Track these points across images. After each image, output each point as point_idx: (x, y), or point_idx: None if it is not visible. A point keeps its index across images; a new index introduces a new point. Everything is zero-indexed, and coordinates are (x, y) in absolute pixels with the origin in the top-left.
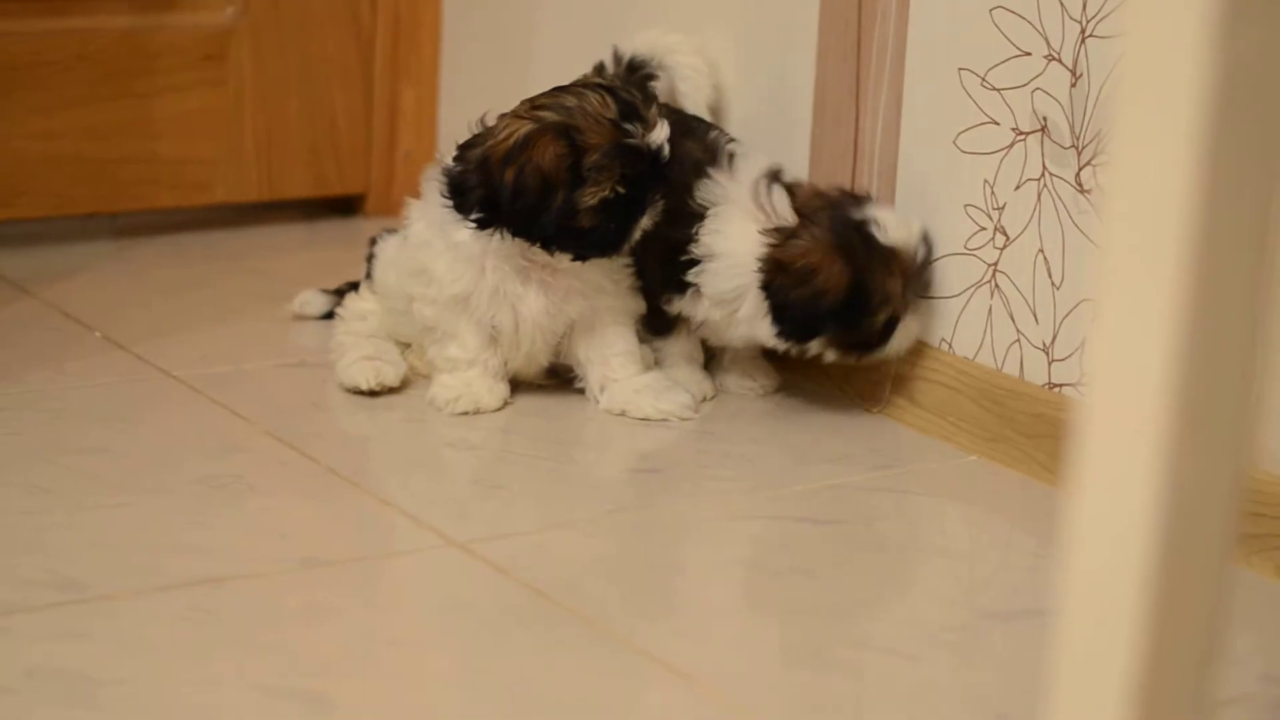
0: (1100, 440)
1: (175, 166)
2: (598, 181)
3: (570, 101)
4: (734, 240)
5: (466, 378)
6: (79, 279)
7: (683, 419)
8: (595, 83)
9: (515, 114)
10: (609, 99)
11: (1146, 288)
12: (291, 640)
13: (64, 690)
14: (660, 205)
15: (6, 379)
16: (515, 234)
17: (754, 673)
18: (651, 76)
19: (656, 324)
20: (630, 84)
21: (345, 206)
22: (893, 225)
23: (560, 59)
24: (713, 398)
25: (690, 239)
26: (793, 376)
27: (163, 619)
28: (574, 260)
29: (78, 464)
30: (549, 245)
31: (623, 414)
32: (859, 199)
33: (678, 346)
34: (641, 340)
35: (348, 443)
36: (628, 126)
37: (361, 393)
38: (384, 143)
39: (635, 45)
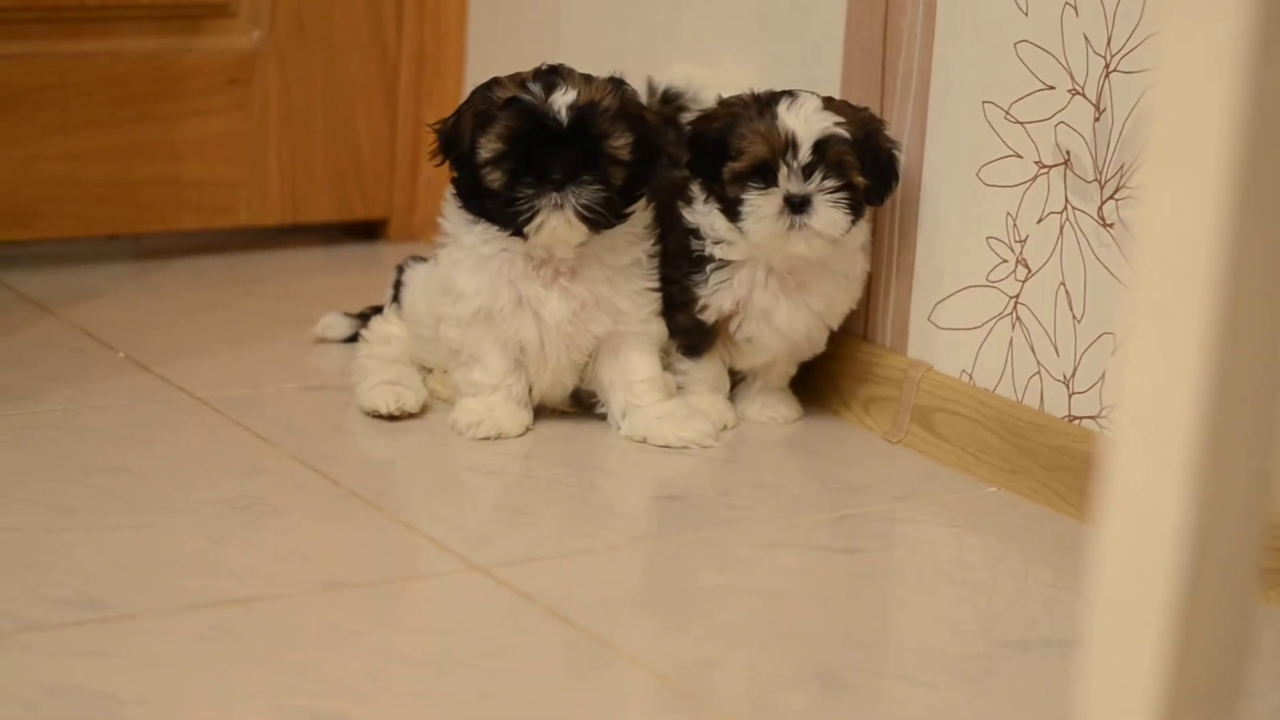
0: (1126, 474)
1: (199, 189)
2: (488, 133)
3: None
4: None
5: (490, 402)
6: (102, 300)
7: (704, 447)
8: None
9: None
10: (543, 69)
11: (1174, 322)
12: (312, 661)
13: (85, 708)
14: (597, 194)
15: (30, 398)
16: (458, 197)
17: (772, 700)
18: (683, 109)
19: (690, 344)
20: (663, 115)
21: (368, 231)
22: (797, 110)
23: None
24: (734, 426)
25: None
26: (814, 407)
27: (184, 638)
28: (512, 235)
29: (100, 483)
30: (479, 211)
31: (644, 441)
32: (790, 92)
33: (704, 372)
34: (667, 367)
35: (369, 466)
36: (530, 86)
37: (381, 417)
38: (407, 168)
39: (670, 77)
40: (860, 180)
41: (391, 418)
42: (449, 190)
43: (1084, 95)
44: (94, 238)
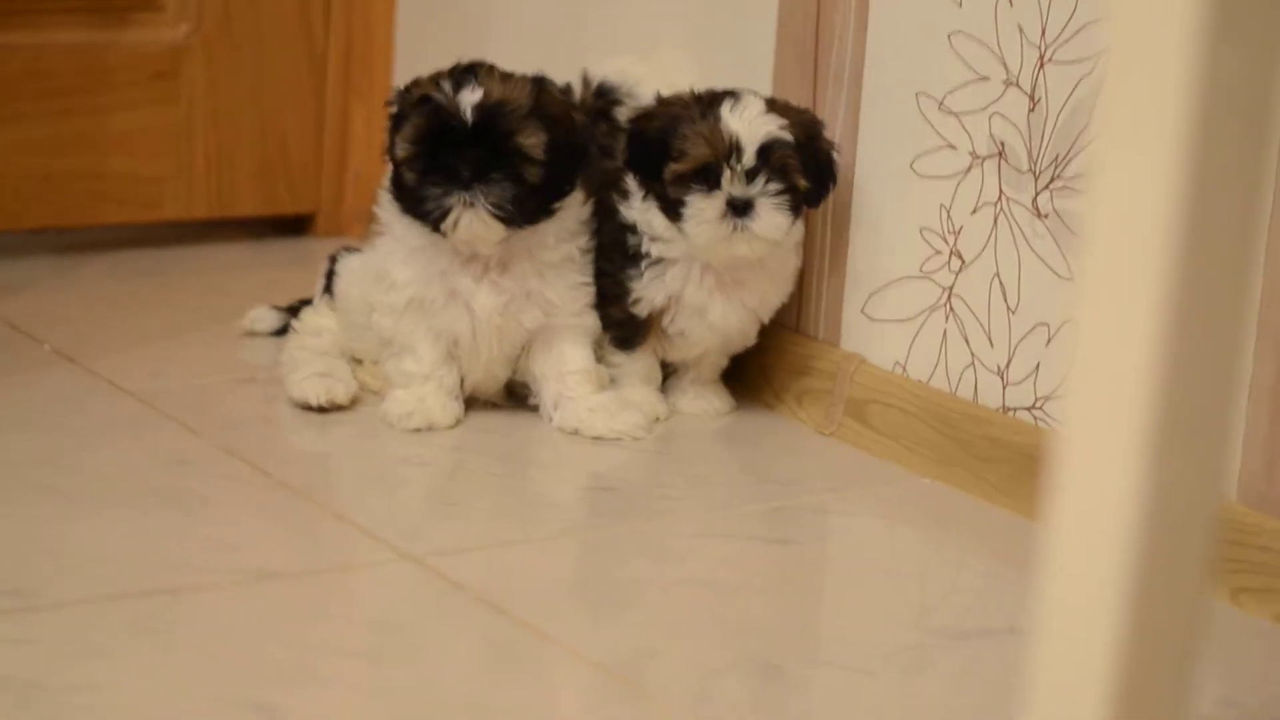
0: (1075, 465)
1: (125, 182)
2: (401, 132)
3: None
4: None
5: (420, 393)
6: (27, 293)
7: (636, 439)
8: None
9: None
10: (461, 66)
11: (1126, 310)
12: (245, 651)
13: (13, 696)
14: (508, 192)
15: None
16: (391, 189)
17: (709, 688)
18: (618, 103)
19: (622, 337)
20: (596, 109)
21: (294, 226)
22: (741, 113)
23: None
24: (667, 418)
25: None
26: (746, 400)
27: (114, 628)
28: (433, 231)
29: (26, 475)
30: (404, 206)
31: (575, 432)
32: (733, 93)
33: (636, 365)
34: (599, 359)
35: (300, 458)
36: (442, 83)
37: (311, 409)
38: (335, 162)
39: (605, 71)
40: (802, 183)
41: (321, 410)
42: (385, 180)
43: (1018, 86)
44: (18, 231)
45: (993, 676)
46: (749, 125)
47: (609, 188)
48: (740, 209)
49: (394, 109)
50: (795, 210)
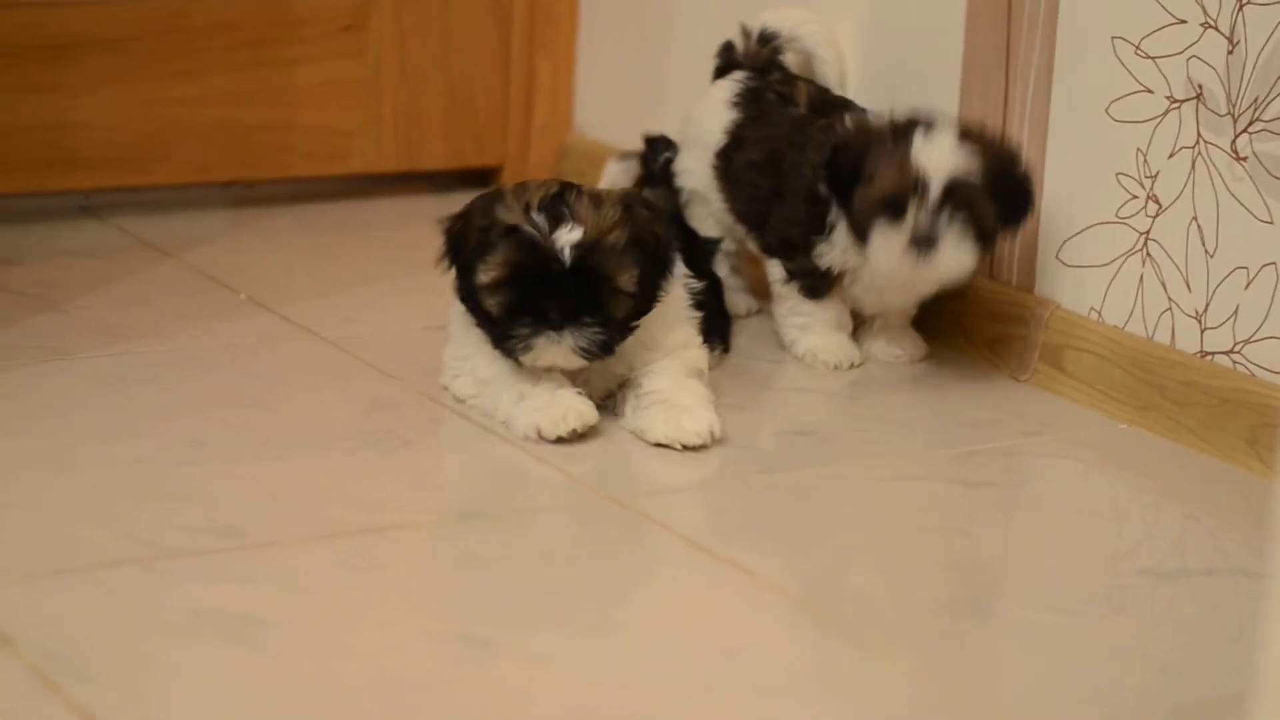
0: None
1: (313, 135)
2: (486, 258)
3: None
4: None
5: None
6: (220, 244)
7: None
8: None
9: None
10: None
11: None
12: (453, 588)
13: (230, 631)
14: (597, 336)
15: (153, 336)
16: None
17: (915, 625)
18: (780, 50)
19: (810, 286)
20: (765, 57)
21: (481, 179)
22: (932, 145)
23: (697, 33)
24: (860, 365)
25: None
26: (940, 346)
27: (324, 566)
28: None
29: (230, 418)
30: (477, 321)
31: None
32: (928, 120)
33: (826, 313)
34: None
35: None
36: (533, 215)
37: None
38: (520, 115)
39: (764, 19)
40: (990, 216)
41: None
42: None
43: (1216, 28)
44: (209, 184)
45: (1192, 618)
46: (937, 160)
47: (789, 140)
48: (923, 244)
49: (466, 225)
50: (982, 242)
